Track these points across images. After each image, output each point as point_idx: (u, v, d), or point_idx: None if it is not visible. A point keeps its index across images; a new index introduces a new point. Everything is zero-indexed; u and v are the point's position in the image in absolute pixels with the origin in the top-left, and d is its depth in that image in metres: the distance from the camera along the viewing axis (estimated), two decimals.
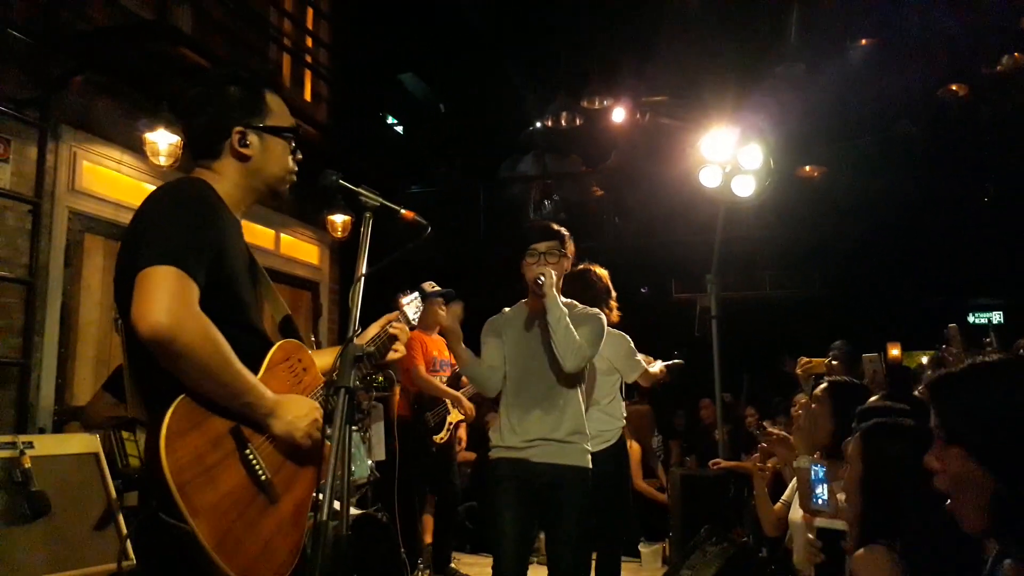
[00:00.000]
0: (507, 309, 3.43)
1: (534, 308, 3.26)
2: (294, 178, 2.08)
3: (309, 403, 1.86)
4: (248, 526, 1.68)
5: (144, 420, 1.73)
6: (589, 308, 3.33)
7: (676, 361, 4.87)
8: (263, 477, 1.74)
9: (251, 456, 1.73)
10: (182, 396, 1.65)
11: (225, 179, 1.94)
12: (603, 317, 3.30)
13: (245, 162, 1.95)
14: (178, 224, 1.73)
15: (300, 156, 2.08)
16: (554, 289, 3.08)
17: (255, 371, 1.80)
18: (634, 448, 6.80)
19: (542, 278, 3.04)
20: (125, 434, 1.71)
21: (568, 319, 3.06)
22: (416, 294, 2.40)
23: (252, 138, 1.94)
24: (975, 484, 1.47)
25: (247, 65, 4.78)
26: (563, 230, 3.28)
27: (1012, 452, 1.42)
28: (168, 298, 1.60)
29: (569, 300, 3.29)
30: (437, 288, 5.43)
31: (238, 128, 1.92)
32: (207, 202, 1.83)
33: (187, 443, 1.62)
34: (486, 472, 3.30)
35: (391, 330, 2.18)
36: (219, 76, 1.99)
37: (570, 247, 3.29)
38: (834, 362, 4.72)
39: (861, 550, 2.01)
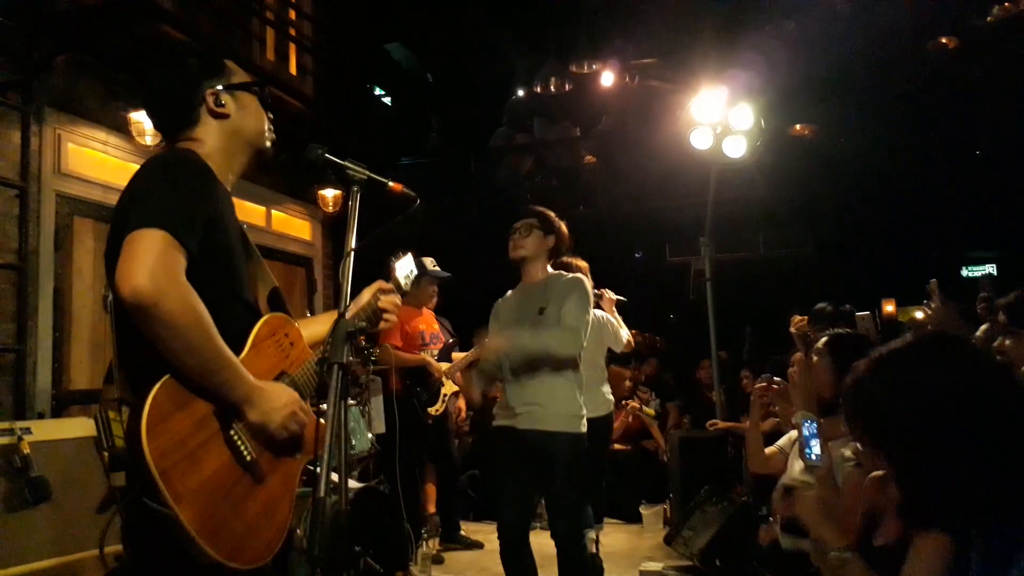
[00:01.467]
0: (510, 292, 3.60)
1: (526, 282, 3.48)
2: (273, 135, 2.05)
3: (289, 394, 1.81)
4: (233, 508, 1.66)
5: (129, 399, 1.70)
6: (568, 275, 3.43)
7: (619, 298, 5.06)
8: (248, 458, 1.71)
9: (236, 436, 1.70)
10: (166, 377, 1.60)
11: (208, 145, 1.91)
12: (585, 281, 3.38)
13: (224, 120, 1.92)
14: (169, 189, 1.69)
15: (271, 116, 2.06)
16: (500, 352, 3.28)
17: (241, 347, 1.78)
18: None
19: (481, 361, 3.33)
20: (112, 414, 1.69)
21: (534, 340, 3.22)
22: (408, 257, 2.37)
23: (225, 98, 1.93)
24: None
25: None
26: (542, 211, 3.46)
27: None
28: (153, 262, 1.56)
29: (556, 272, 3.46)
30: (438, 268, 5.43)
31: (210, 90, 1.91)
32: (199, 169, 1.80)
33: (169, 427, 1.59)
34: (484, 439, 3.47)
35: (379, 303, 2.16)
36: (175, 53, 1.99)
37: (555, 225, 3.44)
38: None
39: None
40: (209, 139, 1.91)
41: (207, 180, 1.80)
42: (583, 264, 4.42)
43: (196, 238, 1.66)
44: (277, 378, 1.87)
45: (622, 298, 5.12)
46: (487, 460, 6.37)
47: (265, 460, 1.76)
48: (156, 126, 2.00)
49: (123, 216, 1.67)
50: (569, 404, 3.28)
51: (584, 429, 3.31)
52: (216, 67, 1.96)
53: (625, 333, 4.95)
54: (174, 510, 1.54)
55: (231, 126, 1.94)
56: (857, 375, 1.57)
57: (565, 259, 4.04)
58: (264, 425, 1.74)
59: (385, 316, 2.16)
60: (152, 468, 1.52)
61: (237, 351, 1.74)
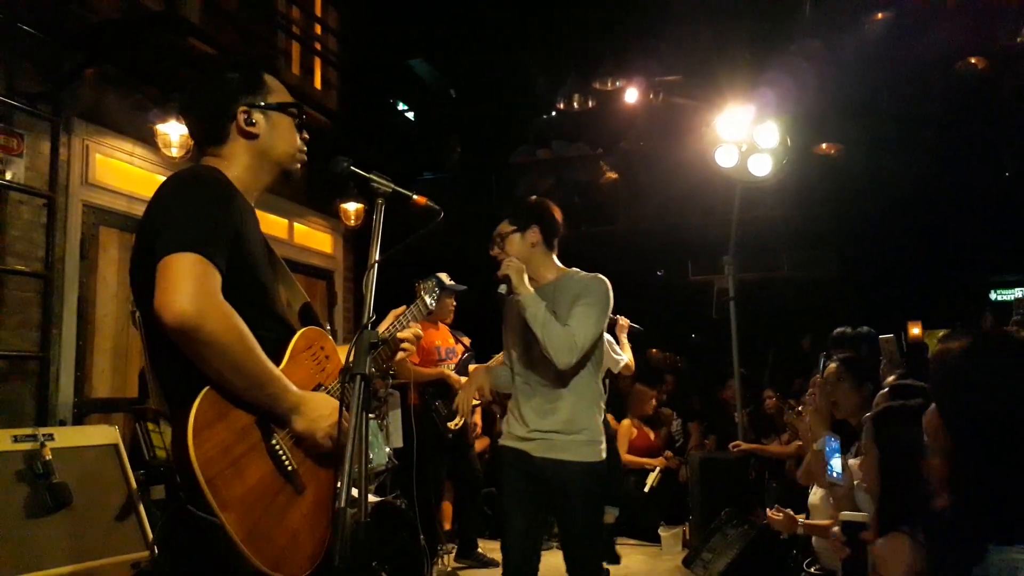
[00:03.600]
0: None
1: (534, 284, 2.99)
2: (304, 156, 2.05)
3: (332, 403, 1.82)
4: (276, 518, 1.67)
5: (166, 413, 1.72)
6: (588, 275, 3.00)
7: (634, 326, 4.79)
8: (289, 468, 1.72)
9: (277, 446, 1.72)
10: (207, 388, 1.63)
11: (235, 163, 1.91)
12: (606, 284, 2.95)
13: (253, 141, 1.92)
14: (195, 210, 1.71)
15: (307, 136, 2.05)
16: (524, 283, 2.84)
17: (279, 359, 1.78)
18: (624, 424, 6.87)
19: (508, 277, 2.85)
20: (151, 426, 1.70)
21: (544, 315, 2.80)
22: (434, 280, 2.37)
23: (257, 116, 1.92)
24: (941, 443, 1.61)
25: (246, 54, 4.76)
26: (523, 203, 3.10)
27: (966, 416, 1.55)
28: (192, 286, 1.58)
29: (572, 271, 3.05)
30: (453, 282, 5.41)
31: (242, 107, 1.91)
32: (221, 187, 1.81)
33: (214, 435, 1.61)
34: (496, 457, 3.21)
35: (400, 334, 2.14)
36: (216, 64, 2.00)
37: (533, 215, 3.04)
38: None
39: (881, 539, 1.96)
40: (237, 156, 1.92)
41: (229, 196, 1.80)
42: None
43: (225, 256, 1.68)
44: (314, 390, 1.87)
45: (637, 326, 4.90)
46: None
47: (305, 471, 1.77)
48: (191, 135, 2.01)
49: (149, 237, 1.69)
50: (589, 430, 2.95)
51: (604, 457, 3.00)
52: (254, 83, 1.95)
53: (625, 358, 4.66)
54: (220, 517, 1.54)
55: (260, 146, 1.94)
56: (959, 350, 1.61)
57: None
58: (312, 433, 1.77)
59: (403, 346, 2.16)
60: (199, 475, 1.54)
61: (275, 363, 1.75)
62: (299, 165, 2.05)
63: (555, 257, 3.09)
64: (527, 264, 2.97)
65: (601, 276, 3.00)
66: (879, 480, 2.14)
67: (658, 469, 6.64)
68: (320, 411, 1.78)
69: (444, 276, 5.67)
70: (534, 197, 3.20)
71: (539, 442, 2.94)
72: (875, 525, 2.16)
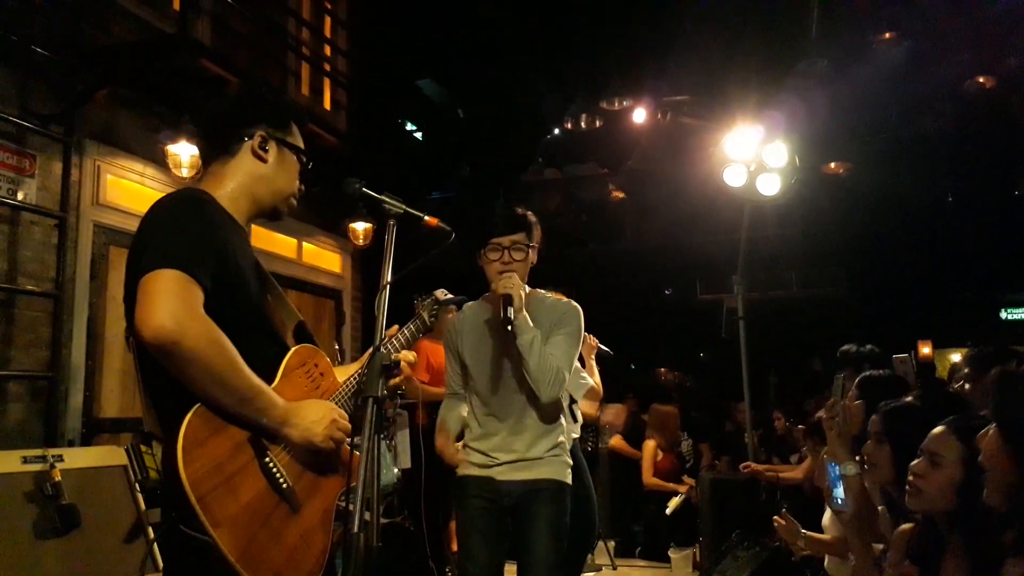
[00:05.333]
0: (468, 305, 2.96)
1: (495, 311, 2.77)
2: (295, 203, 2.08)
3: (324, 405, 1.82)
4: (272, 536, 1.65)
5: (159, 434, 1.70)
6: (562, 299, 2.87)
7: (603, 348, 4.62)
8: (284, 485, 1.70)
9: (271, 464, 1.70)
10: (197, 405, 1.61)
11: (232, 182, 1.92)
12: (579, 311, 2.83)
13: (259, 165, 1.95)
14: (179, 229, 1.71)
15: (303, 188, 2.09)
16: (524, 310, 2.66)
17: (271, 377, 1.77)
18: (648, 445, 6.76)
19: (510, 303, 2.61)
20: (143, 448, 1.68)
21: (539, 344, 2.65)
22: (432, 298, 2.37)
23: (271, 145, 1.96)
24: (1001, 466, 1.60)
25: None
26: (530, 216, 2.85)
27: None
28: (171, 301, 1.58)
29: (539, 292, 2.90)
30: (450, 296, 5.41)
31: (262, 132, 1.94)
32: (205, 207, 1.81)
33: (205, 453, 1.59)
34: (452, 490, 2.93)
35: (395, 355, 2.13)
36: (256, 85, 2.04)
37: (538, 234, 2.84)
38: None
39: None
40: (236, 176, 1.93)
41: (214, 217, 1.81)
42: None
43: (209, 274, 1.67)
44: None
45: (606, 349, 4.66)
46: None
47: (301, 488, 1.75)
48: (201, 139, 2.03)
49: (136, 260, 1.70)
50: (556, 449, 2.80)
51: (571, 480, 2.84)
52: (282, 118, 2.00)
53: (591, 381, 4.37)
54: (213, 536, 1.52)
55: (263, 173, 1.96)
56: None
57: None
58: (309, 440, 1.75)
59: (394, 372, 2.13)
60: (190, 493, 1.52)
61: (267, 381, 1.74)
62: (286, 209, 2.07)
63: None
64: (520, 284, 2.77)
65: (574, 303, 2.87)
66: (894, 473, 2.12)
67: (682, 496, 6.51)
68: (312, 417, 1.77)
69: (440, 292, 5.68)
70: (533, 215, 2.92)
71: (505, 466, 2.78)
72: (868, 517, 2.14)
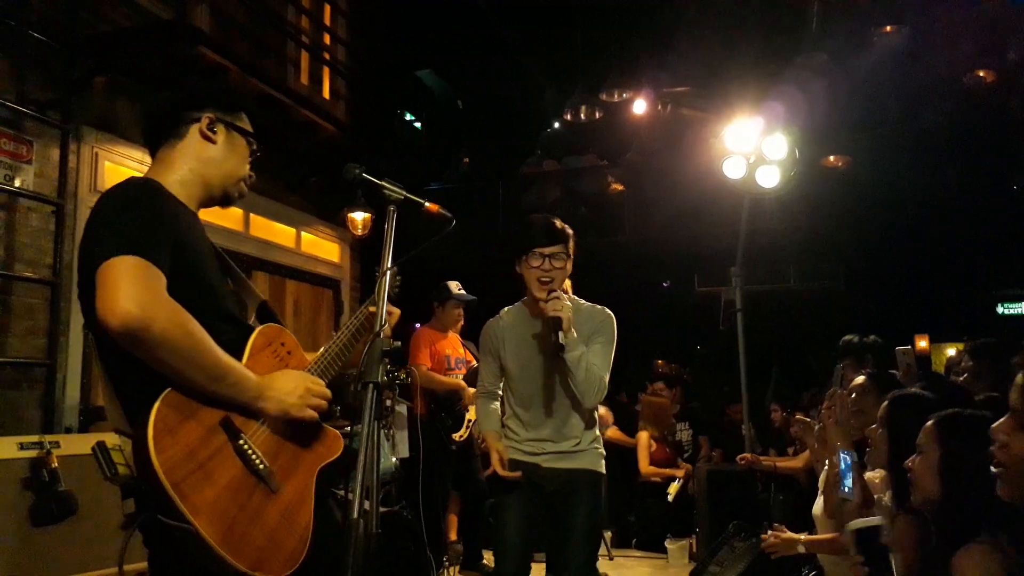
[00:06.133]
0: (505, 311, 3.18)
1: (538, 312, 2.96)
2: (245, 190, 2.05)
3: (297, 374, 1.82)
4: (252, 518, 1.63)
5: (125, 429, 1.67)
6: (596, 308, 3.06)
7: None
8: (261, 466, 1.68)
9: (245, 446, 1.68)
10: (165, 393, 1.59)
11: (180, 167, 1.90)
12: (613, 319, 3.03)
13: (207, 148, 1.93)
14: (132, 216, 1.68)
15: (254, 176, 2.07)
16: (571, 325, 2.81)
17: (238, 358, 1.76)
18: (642, 437, 6.79)
19: (560, 327, 2.74)
20: (110, 444, 1.66)
21: (586, 359, 2.84)
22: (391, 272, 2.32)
23: (220, 128, 1.95)
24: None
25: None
26: (568, 229, 3.02)
27: None
28: (134, 287, 1.55)
29: (573, 298, 3.05)
30: (462, 291, 5.44)
31: (210, 114, 1.93)
32: (154, 195, 1.79)
33: (177, 440, 1.56)
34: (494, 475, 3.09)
35: (368, 311, 2.10)
36: (207, 74, 2.07)
37: (572, 246, 3.03)
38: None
39: (963, 551, 1.87)
40: (185, 160, 1.91)
41: (165, 203, 1.79)
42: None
43: (166, 259, 1.65)
44: None
45: None
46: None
47: (279, 467, 1.73)
48: (145, 129, 1.99)
49: (89, 252, 1.67)
50: (596, 440, 3.08)
51: (603, 469, 3.10)
52: (231, 104, 2.00)
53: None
54: (193, 524, 1.50)
55: (211, 155, 1.94)
56: None
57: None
58: (286, 411, 1.75)
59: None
60: (164, 483, 1.50)
61: None
62: (238, 196, 2.04)
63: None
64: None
65: (608, 311, 3.06)
66: (940, 483, 2.13)
67: (679, 480, 6.58)
68: (285, 387, 1.76)
69: (454, 285, 5.68)
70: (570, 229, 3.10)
71: (551, 456, 3.01)
72: (936, 527, 2.13)
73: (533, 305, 2.99)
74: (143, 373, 1.59)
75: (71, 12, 4.88)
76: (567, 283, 3.08)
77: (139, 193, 1.77)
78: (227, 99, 2.01)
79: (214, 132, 1.94)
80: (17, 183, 4.54)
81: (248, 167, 2.04)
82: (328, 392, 1.84)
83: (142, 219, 1.68)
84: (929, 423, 2.13)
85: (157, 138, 1.94)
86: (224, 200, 2.02)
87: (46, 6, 4.77)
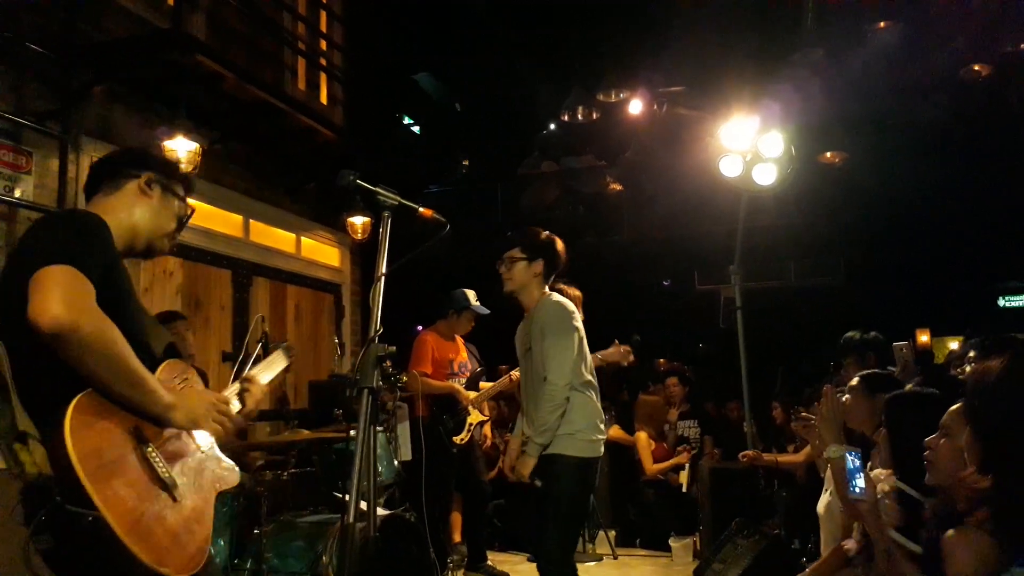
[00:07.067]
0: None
1: (526, 312, 3.44)
2: (168, 245, 2.16)
3: (199, 393, 1.93)
4: (155, 518, 1.68)
5: (32, 432, 1.70)
6: (544, 302, 3.34)
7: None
8: (165, 475, 1.75)
9: (153, 454, 1.74)
10: (82, 394, 1.65)
11: (117, 212, 2.02)
12: (555, 307, 3.30)
13: (141, 202, 2.05)
14: (70, 234, 1.80)
15: (177, 238, 2.19)
16: (534, 455, 3.18)
17: None
18: (641, 437, 6.81)
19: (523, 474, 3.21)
20: (17, 446, 1.68)
21: (546, 437, 3.17)
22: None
23: (156, 188, 2.07)
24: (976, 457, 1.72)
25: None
26: (525, 236, 3.38)
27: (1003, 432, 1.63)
28: (66, 292, 1.64)
29: (543, 296, 3.37)
30: (478, 304, 5.46)
31: (150, 174, 2.06)
32: (96, 222, 1.89)
33: (91, 435, 1.63)
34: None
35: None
36: (154, 147, 2.20)
37: (542, 248, 3.36)
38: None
39: (954, 533, 1.91)
40: (119, 208, 2.03)
41: (104, 232, 1.89)
42: (576, 293, 4.16)
43: (97, 277, 1.74)
44: None
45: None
46: (512, 489, 6.31)
47: (183, 483, 1.80)
48: (91, 175, 2.12)
49: (20, 262, 1.76)
50: (571, 424, 3.21)
51: (592, 454, 3.26)
52: (171, 171, 2.16)
53: None
54: (101, 511, 1.54)
55: (146, 205, 2.06)
56: (1000, 372, 1.62)
57: (560, 286, 3.74)
58: (194, 421, 1.84)
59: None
60: (77, 468, 1.55)
61: None
62: (164, 249, 2.16)
63: (546, 287, 3.42)
64: (523, 290, 3.35)
65: (554, 298, 3.33)
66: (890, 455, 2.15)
67: (688, 466, 6.60)
68: (193, 403, 1.86)
69: (471, 294, 5.70)
70: (546, 233, 3.44)
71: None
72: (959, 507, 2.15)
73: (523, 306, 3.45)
74: (58, 380, 1.66)
75: (68, 22, 4.90)
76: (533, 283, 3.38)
77: (81, 219, 1.89)
78: (168, 168, 2.15)
79: (151, 189, 2.06)
80: (17, 194, 4.56)
81: (175, 228, 2.15)
82: (232, 411, 1.94)
83: (80, 237, 1.80)
84: (957, 406, 2.12)
85: (95, 186, 2.06)
86: (146, 252, 2.13)
87: (43, 16, 4.80)
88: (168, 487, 1.74)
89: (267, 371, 2.29)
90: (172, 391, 1.83)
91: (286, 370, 2.40)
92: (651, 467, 6.70)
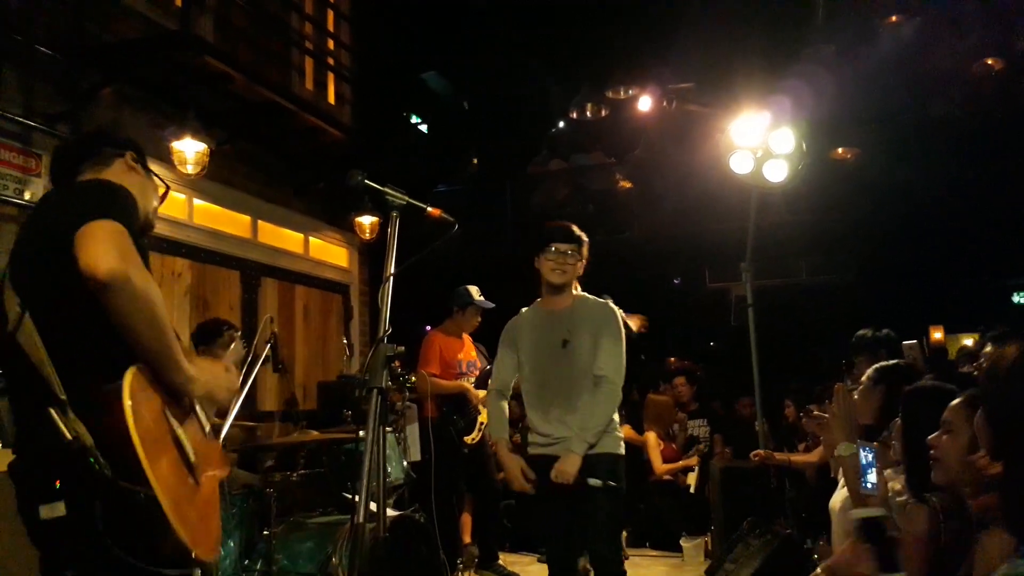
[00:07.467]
0: (524, 310, 3.48)
1: (550, 307, 3.37)
2: (151, 227, 2.15)
3: (214, 363, 1.98)
4: (188, 501, 1.71)
5: (66, 401, 1.66)
6: (599, 301, 3.37)
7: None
8: (192, 457, 1.77)
9: (182, 436, 1.77)
10: (136, 366, 1.67)
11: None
12: (617, 314, 3.34)
13: (132, 176, 2.06)
14: (106, 197, 1.81)
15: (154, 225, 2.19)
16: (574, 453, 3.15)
17: None
18: (650, 438, 6.79)
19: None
20: (54, 411, 1.64)
21: (595, 432, 3.18)
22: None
23: (138, 166, 2.10)
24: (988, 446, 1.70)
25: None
26: (583, 236, 3.39)
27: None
28: (119, 244, 1.65)
29: (582, 296, 3.39)
30: (482, 298, 5.45)
31: (131, 152, 2.09)
32: (125, 192, 1.90)
33: (144, 411, 1.65)
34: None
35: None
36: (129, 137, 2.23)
37: (586, 252, 3.39)
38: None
39: (990, 533, 1.87)
40: (119, 178, 2.01)
41: (133, 200, 1.91)
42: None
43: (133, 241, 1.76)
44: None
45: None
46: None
47: (199, 466, 1.82)
48: (72, 146, 2.16)
49: (47, 228, 1.79)
50: (612, 421, 3.27)
51: (623, 451, 3.30)
52: (142, 151, 2.15)
53: None
54: (156, 489, 1.55)
55: (135, 181, 2.06)
56: (1014, 354, 1.61)
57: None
58: (211, 393, 1.88)
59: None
60: (138, 445, 1.55)
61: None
62: (153, 228, 2.15)
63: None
64: (567, 286, 3.33)
65: (610, 305, 3.37)
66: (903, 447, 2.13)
67: (697, 467, 6.57)
68: (210, 372, 1.90)
69: (475, 291, 5.69)
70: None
71: (564, 445, 3.20)
72: (922, 517, 2.14)
73: (547, 299, 3.38)
74: (99, 351, 1.69)
75: (77, 25, 4.91)
76: (575, 283, 3.40)
77: (113, 185, 1.90)
78: (139, 147, 2.16)
79: (136, 164, 2.09)
80: (27, 196, 4.57)
81: (154, 209, 2.16)
82: (235, 379, 2.01)
83: (117, 201, 1.81)
84: (958, 401, 2.11)
85: (71, 164, 2.04)
86: (143, 228, 2.10)
87: (52, 19, 4.81)
88: (192, 470, 1.77)
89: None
90: (194, 364, 1.86)
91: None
92: (660, 467, 6.67)
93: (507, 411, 3.46)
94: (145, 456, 1.56)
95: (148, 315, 1.67)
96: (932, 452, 2.13)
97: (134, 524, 1.60)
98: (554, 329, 3.31)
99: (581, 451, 3.13)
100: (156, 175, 2.18)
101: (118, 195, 1.84)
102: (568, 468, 3.10)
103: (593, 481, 3.14)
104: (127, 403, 1.57)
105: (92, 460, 1.59)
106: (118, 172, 2.03)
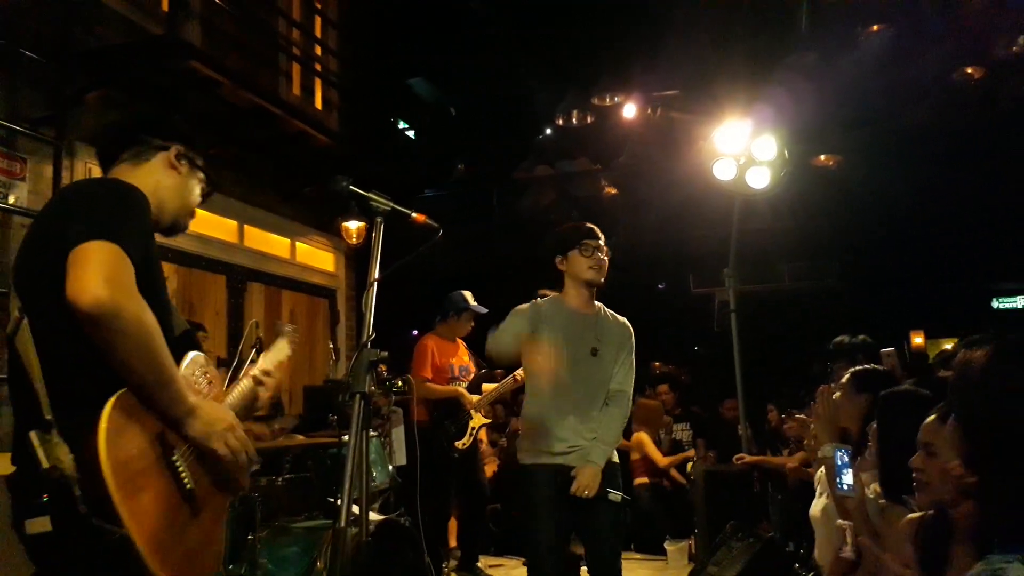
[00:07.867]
0: (540, 302, 3.32)
1: (576, 308, 3.26)
2: (188, 223, 2.07)
3: (224, 411, 1.81)
4: (176, 536, 1.62)
5: (63, 422, 1.59)
6: (619, 319, 3.38)
7: None
8: (188, 486, 1.67)
9: (178, 463, 1.66)
10: (121, 392, 1.57)
11: (144, 188, 1.86)
12: (631, 331, 3.37)
13: (167, 175, 1.96)
14: (113, 207, 1.69)
15: (195, 215, 2.11)
16: (596, 465, 3.11)
17: None
18: (643, 437, 6.84)
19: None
20: (35, 435, 1.55)
21: (613, 445, 3.22)
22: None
23: (185, 163, 1.99)
24: (960, 452, 1.68)
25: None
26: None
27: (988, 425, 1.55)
28: (110, 271, 1.55)
29: (603, 308, 3.36)
30: (476, 304, 5.48)
31: (179, 147, 1.96)
32: (143, 200, 1.80)
33: (124, 441, 1.54)
34: (520, 477, 3.26)
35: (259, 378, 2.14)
36: (176, 112, 2.09)
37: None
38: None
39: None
40: (147, 182, 1.90)
41: (147, 210, 1.80)
42: None
43: (137, 258, 1.65)
44: None
45: None
46: (509, 496, 6.30)
47: (201, 491, 1.72)
48: (111, 131, 2.02)
49: (50, 233, 1.66)
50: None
51: (617, 458, 3.32)
52: (195, 143, 2.03)
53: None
54: (129, 529, 1.47)
55: (173, 182, 1.97)
56: (984, 364, 1.59)
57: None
58: (207, 438, 1.71)
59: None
60: (109, 482, 1.46)
61: None
62: (182, 228, 2.06)
63: None
64: (597, 286, 3.30)
65: (629, 326, 3.37)
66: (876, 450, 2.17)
67: (692, 460, 6.64)
68: (215, 416, 1.74)
69: (469, 295, 5.71)
70: None
71: (577, 453, 3.12)
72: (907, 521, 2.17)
73: (574, 298, 3.28)
74: (90, 373, 1.58)
75: (63, 29, 4.90)
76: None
77: (128, 191, 1.78)
78: (193, 140, 2.04)
79: (180, 164, 1.98)
80: (11, 200, 4.56)
81: (195, 207, 2.07)
82: (244, 437, 1.80)
83: (124, 213, 1.70)
84: (932, 418, 2.06)
85: (115, 151, 1.95)
86: (169, 230, 2.03)
87: (38, 23, 4.79)
88: (189, 499, 1.67)
89: (275, 359, 2.24)
90: (196, 394, 1.75)
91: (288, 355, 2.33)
92: (663, 461, 6.73)
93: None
94: (119, 493, 1.47)
95: (140, 347, 1.57)
96: (916, 475, 2.07)
97: (107, 563, 1.52)
98: (584, 335, 3.21)
99: (602, 463, 3.09)
100: (204, 170, 2.06)
101: (128, 207, 1.73)
102: (591, 482, 3.04)
103: (613, 495, 3.10)
104: (101, 437, 1.47)
105: (74, 487, 1.51)
106: (154, 168, 1.93)
